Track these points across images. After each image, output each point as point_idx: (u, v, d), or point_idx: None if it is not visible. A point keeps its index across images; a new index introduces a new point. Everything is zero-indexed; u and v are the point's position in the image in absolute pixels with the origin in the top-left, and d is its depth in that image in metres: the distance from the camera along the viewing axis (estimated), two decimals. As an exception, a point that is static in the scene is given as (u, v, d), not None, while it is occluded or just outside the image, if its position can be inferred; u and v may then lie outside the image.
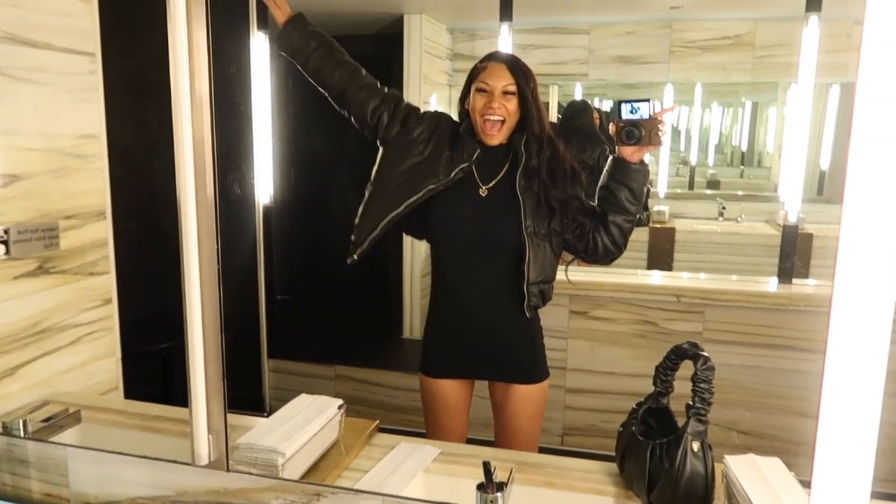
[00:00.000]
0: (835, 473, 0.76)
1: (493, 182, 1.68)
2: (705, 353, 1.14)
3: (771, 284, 2.83)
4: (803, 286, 2.83)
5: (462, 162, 1.67)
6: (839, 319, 0.75)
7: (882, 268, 0.72)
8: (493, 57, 1.71)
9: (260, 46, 3.13)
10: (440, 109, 4.57)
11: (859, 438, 0.75)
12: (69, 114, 1.62)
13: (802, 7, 2.68)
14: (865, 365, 0.74)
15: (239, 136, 3.17)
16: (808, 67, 2.69)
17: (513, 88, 1.64)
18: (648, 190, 1.70)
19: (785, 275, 2.82)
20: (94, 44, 1.66)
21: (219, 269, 0.91)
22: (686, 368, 1.20)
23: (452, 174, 1.66)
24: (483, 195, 1.67)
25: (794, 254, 2.82)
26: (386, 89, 1.80)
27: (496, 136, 1.67)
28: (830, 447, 0.76)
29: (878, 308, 0.73)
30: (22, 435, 1.30)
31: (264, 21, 3.15)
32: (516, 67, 1.66)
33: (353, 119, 1.80)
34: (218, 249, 0.91)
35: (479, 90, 1.66)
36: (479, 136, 1.69)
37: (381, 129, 1.75)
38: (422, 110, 1.80)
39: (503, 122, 1.65)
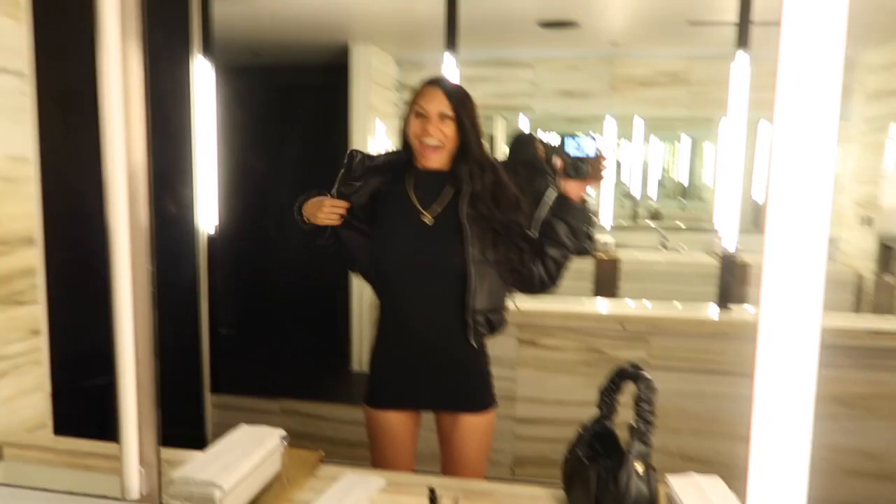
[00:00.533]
0: (769, 492, 0.77)
1: (437, 209, 1.67)
2: (647, 375, 1.16)
3: (711, 311, 2.91)
4: (742, 312, 2.91)
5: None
6: (766, 344, 0.78)
7: (805, 293, 0.75)
8: (430, 82, 1.70)
9: (202, 70, 3.09)
10: (388, 139, 4.59)
11: (791, 458, 0.76)
12: (-3, 136, 1.56)
13: (732, 46, 2.81)
14: (793, 387, 0.76)
15: (175, 157, 3.10)
16: (738, 101, 2.81)
17: (449, 113, 1.64)
18: (591, 225, 1.73)
19: (724, 302, 2.89)
20: (26, 63, 1.60)
21: (153, 293, 0.87)
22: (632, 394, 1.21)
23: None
24: (428, 223, 1.66)
25: (732, 282, 2.91)
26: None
27: (433, 159, 1.66)
28: (763, 466, 0.78)
29: (803, 331, 0.76)
30: (-65, 475, 1.21)
31: (208, 44, 3.11)
32: (453, 92, 1.66)
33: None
34: (152, 273, 0.87)
35: (416, 114, 1.66)
36: (418, 160, 1.69)
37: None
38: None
39: (441, 146, 1.65)
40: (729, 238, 2.89)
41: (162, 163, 3.09)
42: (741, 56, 2.76)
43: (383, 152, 1.76)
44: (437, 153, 1.65)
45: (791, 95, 0.77)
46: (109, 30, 0.87)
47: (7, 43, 1.58)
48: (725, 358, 2.73)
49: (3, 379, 1.57)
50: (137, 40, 0.89)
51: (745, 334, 2.80)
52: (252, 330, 5.12)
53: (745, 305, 3.17)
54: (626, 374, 1.20)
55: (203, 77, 3.09)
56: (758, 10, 2.72)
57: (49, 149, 1.67)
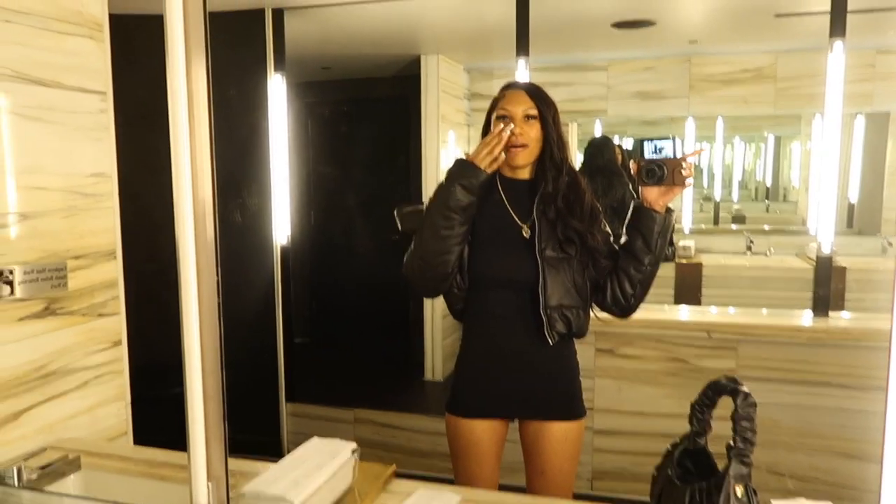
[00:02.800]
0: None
1: (530, 220, 1.63)
2: (745, 389, 1.05)
3: (805, 318, 2.71)
4: (839, 319, 2.71)
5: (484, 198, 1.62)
6: None
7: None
8: (512, 85, 1.68)
9: (277, 85, 3.15)
10: (458, 148, 4.56)
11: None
12: (80, 153, 1.60)
13: (823, 37, 2.63)
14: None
15: (251, 170, 3.17)
16: (834, 95, 2.61)
17: (534, 112, 1.60)
18: (671, 235, 1.62)
19: (820, 308, 2.70)
20: (105, 82, 1.65)
21: (219, 303, 0.85)
22: (724, 407, 1.11)
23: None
24: (525, 235, 1.62)
25: (828, 286, 2.70)
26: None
27: (520, 156, 1.60)
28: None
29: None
30: (16, 484, 1.23)
31: (281, 62, 3.17)
32: (536, 93, 1.63)
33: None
34: (218, 282, 0.85)
35: (500, 117, 1.61)
36: (508, 169, 1.64)
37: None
38: None
39: (526, 145, 1.60)
40: (825, 240, 2.69)
41: (238, 175, 3.17)
42: (838, 47, 2.57)
43: None
44: (523, 151, 1.60)
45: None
46: (176, 47, 0.86)
47: (90, 64, 1.62)
48: (824, 368, 2.53)
49: (86, 388, 1.61)
50: (203, 56, 0.88)
51: (846, 343, 2.61)
52: (326, 338, 5.19)
53: (843, 312, 2.95)
54: (721, 389, 1.10)
55: (277, 93, 3.15)
56: (851, -2, 2.54)
57: (125, 163, 1.71)
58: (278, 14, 3.13)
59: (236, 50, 3.19)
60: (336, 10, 3.14)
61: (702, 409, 1.16)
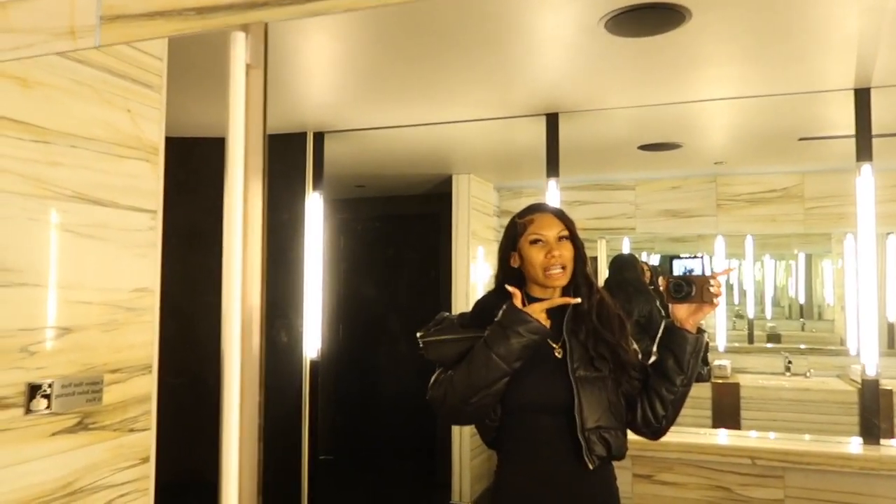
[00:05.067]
0: None
1: (560, 339, 1.60)
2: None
3: (853, 445, 2.58)
4: (892, 448, 2.57)
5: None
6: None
7: None
8: (537, 209, 1.68)
9: (315, 204, 3.26)
10: (487, 263, 4.60)
11: None
12: (126, 268, 1.65)
13: (849, 159, 2.68)
14: None
15: (289, 285, 3.22)
16: (866, 217, 2.62)
17: (565, 233, 1.61)
18: (704, 355, 1.59)
19: (870, 435, 2.57)
20: (157, 202, 1.72)
21: (261, 425, 0.84)
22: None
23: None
24: (558, 356, 1.59)
25: (877, 411, 2.59)
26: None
27: (560, 279, 1.59)
28: None
29: None
30: None
31: (320, 182, 3.30)
32: (562, 215, 1.66)
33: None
34: (261, 402, 0.85)
35: (533, 242, 1.61)
36: (539, 290, 1.63)
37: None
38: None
39: (565, 268, 1.60)
40: (869, 363, 2.60)
41: (275, 292, 3.22)
42: (866, 170, 2.61)
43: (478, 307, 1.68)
44: (563, 274, 1.59)
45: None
46: (236, 169, 0.91)
47: (144, 185, 1.70)
48: (880, 502, 2.38)
49: (110, 508, 1.57)
50: (261, 180, 0.92)
51: (899, 473, 2.42)
52: (350, 455, 5.05)
53: (894, 440, 2.80)
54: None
55: (314, 210, 3.26)
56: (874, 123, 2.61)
57: (167, 277, 1.75)
58: (319, 137, 3.29)
59: (276, 169, 3.34)
60: (373, 133, 3.30)
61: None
